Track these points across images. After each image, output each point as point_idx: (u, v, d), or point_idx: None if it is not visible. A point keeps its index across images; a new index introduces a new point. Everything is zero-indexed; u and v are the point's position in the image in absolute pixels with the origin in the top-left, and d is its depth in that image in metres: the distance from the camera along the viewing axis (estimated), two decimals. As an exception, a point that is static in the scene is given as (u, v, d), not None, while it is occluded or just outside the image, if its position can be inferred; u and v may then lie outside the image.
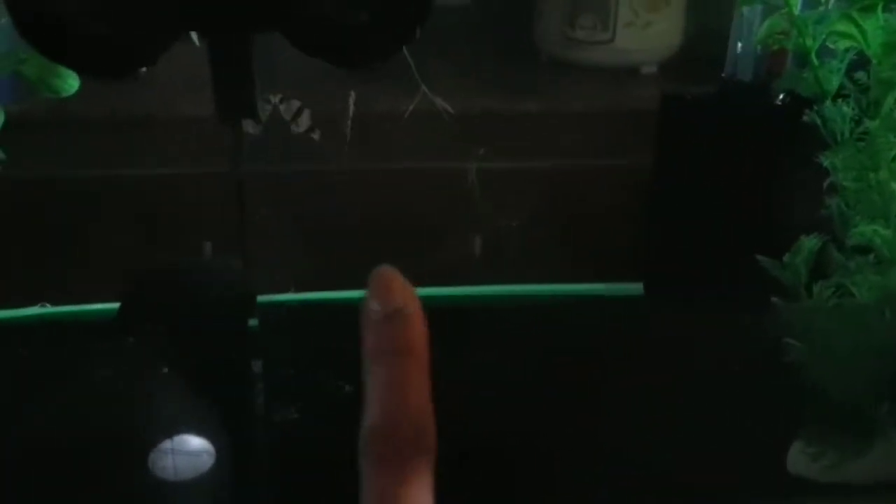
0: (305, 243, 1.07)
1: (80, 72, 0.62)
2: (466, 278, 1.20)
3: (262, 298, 0.62)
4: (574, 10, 1.37)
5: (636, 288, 0.84)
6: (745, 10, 0.72)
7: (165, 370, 0.61)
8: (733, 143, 0.77)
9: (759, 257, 0.67)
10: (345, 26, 0.48)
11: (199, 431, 0.61)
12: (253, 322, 0.59)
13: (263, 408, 0.60)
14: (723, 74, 0.76)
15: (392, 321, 0.32)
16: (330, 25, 0.48)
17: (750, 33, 0.71)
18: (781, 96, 0.73)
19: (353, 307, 0.33)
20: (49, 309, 0.81)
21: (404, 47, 0.51)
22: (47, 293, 0.82)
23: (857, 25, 0.61)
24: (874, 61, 0.60)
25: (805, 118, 0.66)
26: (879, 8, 0.60)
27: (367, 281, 0.33)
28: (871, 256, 0.65)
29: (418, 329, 0.33)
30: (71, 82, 0.70)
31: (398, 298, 0.33)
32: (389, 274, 0.33)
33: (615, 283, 0.88)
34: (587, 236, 1.18)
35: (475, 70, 1.42)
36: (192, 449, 0.61)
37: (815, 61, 0.65)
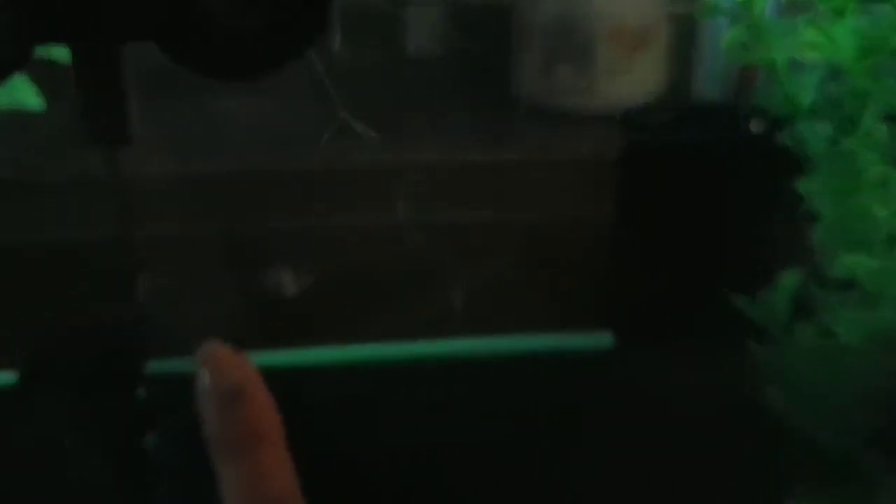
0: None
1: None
2: (442, 333, 1.14)
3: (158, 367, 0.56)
4: (552, 57, 1.35)
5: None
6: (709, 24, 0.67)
7: (66, 441, 0.55)
8: (700, 177, 0.71)
9: (734, 297, 0.61)
10: (229, 34, 0.42)
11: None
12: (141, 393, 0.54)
13: (151, 485, 0.54)
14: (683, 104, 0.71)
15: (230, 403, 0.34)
16: (213, 33, 0.42)
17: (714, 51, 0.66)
18: (753, 120, 0.68)
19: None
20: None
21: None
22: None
23: (826, 34, 0.55)
24: (846, 71, 0.54)
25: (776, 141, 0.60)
26: (849, 12, 0.54)
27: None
28: (855, 291, 0.58)
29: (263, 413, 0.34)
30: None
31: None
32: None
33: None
34: (578, 288, 1.14)
35: (453, 120, 1.38)
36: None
37: (785, 76, 0.59)
